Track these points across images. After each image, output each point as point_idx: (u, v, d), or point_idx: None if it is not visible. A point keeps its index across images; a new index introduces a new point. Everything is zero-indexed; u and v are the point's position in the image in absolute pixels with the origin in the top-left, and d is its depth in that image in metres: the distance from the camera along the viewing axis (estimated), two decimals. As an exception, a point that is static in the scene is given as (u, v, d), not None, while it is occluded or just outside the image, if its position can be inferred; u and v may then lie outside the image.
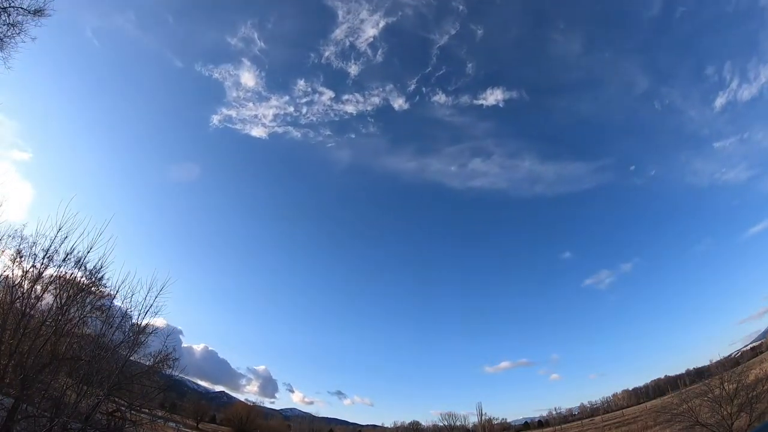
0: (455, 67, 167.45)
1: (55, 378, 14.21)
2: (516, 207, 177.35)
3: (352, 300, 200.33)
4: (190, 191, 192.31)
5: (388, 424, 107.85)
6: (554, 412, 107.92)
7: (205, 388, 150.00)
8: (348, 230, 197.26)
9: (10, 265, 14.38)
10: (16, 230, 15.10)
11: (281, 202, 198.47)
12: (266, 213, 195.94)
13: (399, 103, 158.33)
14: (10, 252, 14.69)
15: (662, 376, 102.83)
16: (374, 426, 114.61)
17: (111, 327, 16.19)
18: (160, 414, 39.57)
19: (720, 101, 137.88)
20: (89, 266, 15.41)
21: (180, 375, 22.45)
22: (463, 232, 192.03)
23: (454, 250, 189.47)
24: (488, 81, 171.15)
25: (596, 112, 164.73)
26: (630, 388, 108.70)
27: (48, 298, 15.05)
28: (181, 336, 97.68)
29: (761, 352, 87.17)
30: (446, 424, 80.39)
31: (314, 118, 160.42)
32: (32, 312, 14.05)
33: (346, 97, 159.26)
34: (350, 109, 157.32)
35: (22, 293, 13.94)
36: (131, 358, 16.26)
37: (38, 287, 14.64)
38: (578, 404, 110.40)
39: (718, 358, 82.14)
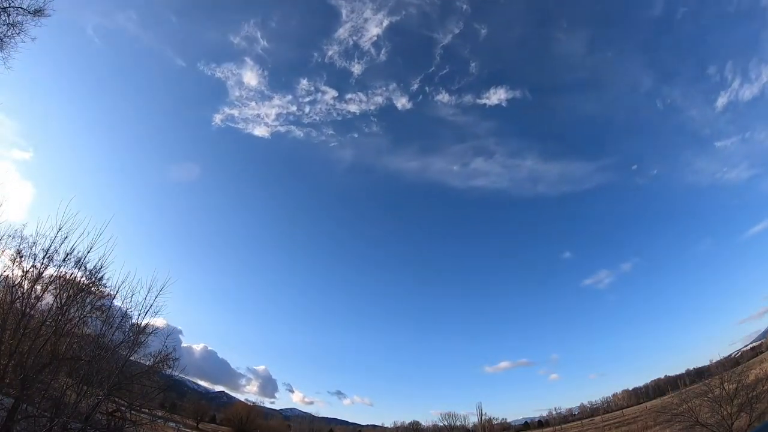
0: (459, 66, 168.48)
1: (55, 378, 14.21)
2: (517, 207, 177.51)
3: (352, 300, 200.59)
4: (191, 191, 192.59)
5: (388, 424, 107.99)
6: (554, 412, 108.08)
7: (205, 388, 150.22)
8: (348, 230, 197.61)
9: (10, 265, 14.42)
10: (16, 230, 15.15)
11: (281, 202, 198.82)
12: (266, 213, 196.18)
13: (402, 102, 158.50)
14: (10, 252, 14.73)
15: (662, 376, 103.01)
16: (374, 426, 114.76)
17: (111, 327, 16.20)
18: (160, 414, 39.58)
19: (721, 101, 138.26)
20: (89, 266, 15.45)
21: (180, 375, 22.48)
22: (464, 232, 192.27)
23: (454, 250, 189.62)
24: (491, 80, 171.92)
25: (599, 111, 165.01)
26: (630, 388, 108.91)
27: (48, 298, 15.08)
28: (180, 336, 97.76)
29: (761, 352, 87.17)
30: (446, 424, 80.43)
31: (317, 118, 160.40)
32: (32, 312, 14.05)
33: (349, 96, 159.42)
34: (353, 108, 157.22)
35: (22, 293, 13.94)
36: (131, 358, 16.26)
37: (38, 287, 14.65)
38: (578, 404, 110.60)
39: (718, 358, 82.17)
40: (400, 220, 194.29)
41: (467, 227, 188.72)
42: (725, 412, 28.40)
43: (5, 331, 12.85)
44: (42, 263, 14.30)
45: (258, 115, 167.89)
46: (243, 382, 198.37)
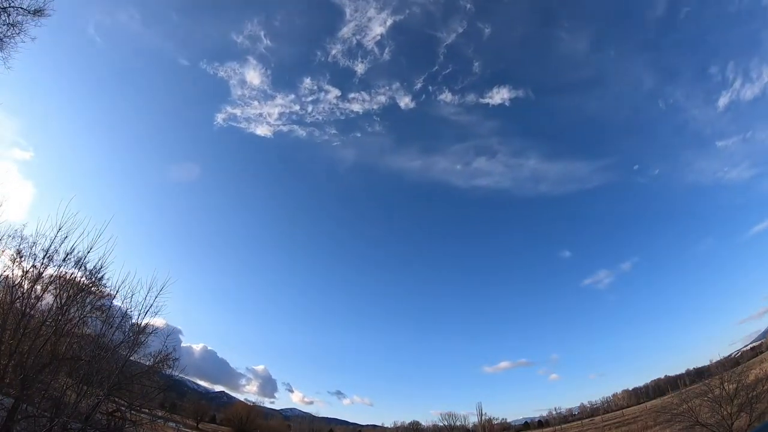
0: (462, 65, 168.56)
1: (55, 378, 14.22)
2: (519, 206, 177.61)
3: (352, 300, 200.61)
4: (191, 191, 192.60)
5: (388, 424, 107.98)
6: (554, 412, 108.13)
7: (204, 388, 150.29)
8: (348, 230, 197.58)
9: (10, 265, 14.41)
10: (16, 230, 15.15)
11: (282, 202, 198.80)
12: (267, 212, 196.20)
13: (405, 101, 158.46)
14: (10, 252, 14.72)
15: (662, 376, 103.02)
16: (374, 426, 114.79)
17: (111, 327, 16.19)
18: (160, 414, 39.59)
19: (723, 101, 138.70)
20: (89, 266, 15.45)
21: (180, 375, 22.47)
22: (465, 232, 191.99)
23: (454, 250, 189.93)
24: (494, 80, 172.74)
25: (601, 111, 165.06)
26: (630, 388, 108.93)
27: (48, 298, 15.08)
28: (180, 336, 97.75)
29: (761, 352, 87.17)
30: (446, 424, 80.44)
31: (320, 117, 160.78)
32: (32, 312, 14.05)
33: (352, 95, 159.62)
34: (356, 107, 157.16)
35: (22, 293, 13.94)
36: (131, 358, 16.26)
37: (38, 287, 14.65)
38: (578, 404, 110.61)
39: (718, 358, 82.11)
40: (401, 220, 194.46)
41: (468, 227, 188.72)
42: (725, 412, 28.40)
43: (5, 331, 12.85)
44: (42, 263, 14.32)
45: (260, 115, 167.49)
46: (243, 381, 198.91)
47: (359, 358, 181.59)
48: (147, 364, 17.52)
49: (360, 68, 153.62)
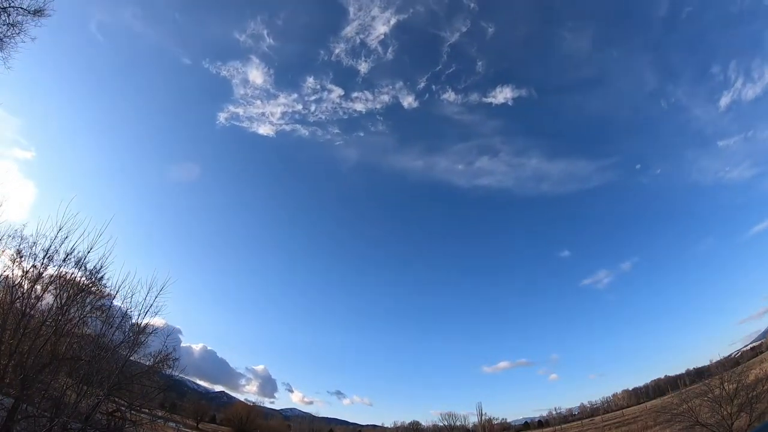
0: (465, 65, 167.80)
1: (55, 378, 14.21)
2: (520, 206, 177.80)
3: (351, 300, 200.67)
4: (192, 191, 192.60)
5: (388, 424, 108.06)
6: (554, 412, 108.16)
7: (204, 388, 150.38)
8: (348, 230, 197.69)
9: (10, 265, 14.41)
10: (16, 230, 15.14)
11: (282, 202, 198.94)
12: (268, 212, 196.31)
13: (408, 101, 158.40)
14: (10, 252, 14.72)
15: (662, 376, 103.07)
16: (374, 426, 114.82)
17: (111, 327, 16.20)
18: (160, 414, 39.58)
19: (725, 100, 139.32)
20: (89, 266, 15.45)
21: (180, 375, 22.47)
22: (465, 232, 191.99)
23: (453, 250, 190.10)
24: (498, 79, 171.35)
25: (603, 110, 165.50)
26: (630, 388, 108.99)
27: (48, 298, 15.08)
28: (180, 335, 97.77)
29: (761, 352, 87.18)
30: (446, 424, 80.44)
31: (323, 116, 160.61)
32: (32, 312, 14.05)
33: (355, 94, 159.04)
34: (359, 107, 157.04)
35: (22, 293, 13.94)
36: (131, 358, 16.27)
37: (38, 287, 14.65)
38: (578, 404, 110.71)
39: (718, 358, 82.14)
40: (403, 220, 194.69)
41: (469, 227, 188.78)
42: (725, 412, 28.40)
43: (5, 331, 12.85)
44: (42, 263, 14.32)
45: (263, 114, 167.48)
46: (242, 381, 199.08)
47: (359, 358, 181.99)
48: (147, 364, 17.52)
49: (363, 67, 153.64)
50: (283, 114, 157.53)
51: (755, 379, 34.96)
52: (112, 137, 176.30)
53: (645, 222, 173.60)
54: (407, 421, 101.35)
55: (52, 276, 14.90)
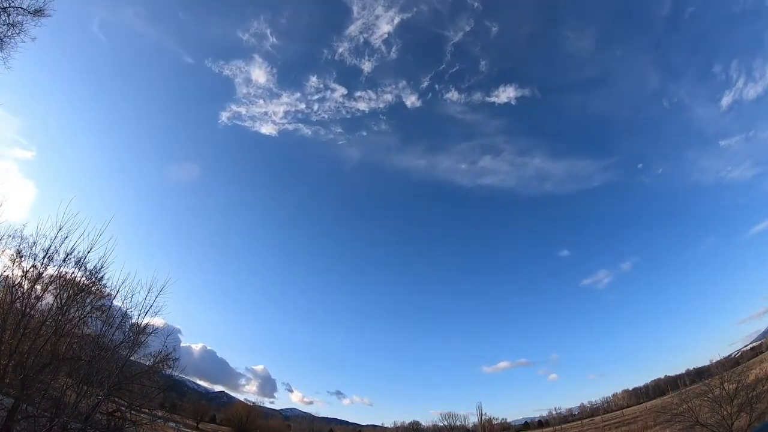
0: (469, 64, 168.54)
1: (55, 378, 14.22)
2: (523, 205, 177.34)
3: (351, 300, 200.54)
4: (193, 190, 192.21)
5: (388, 424, 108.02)
6: (554, 412, 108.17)
7: (204, 388, 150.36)
8: (349, 230, 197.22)
9: (10, 265, 14.41)
10: (16, 230, 15.15)
11: (283, 202, 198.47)
12: (268, 212, 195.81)
13: (411, 100, 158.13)
14: (10, 252, 14.72)
15: (662, 376, 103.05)
16: (374, 426, 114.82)
17: (111, 327, 16.21)
18: (160, 414, 39.60)
19: (726, 100, 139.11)
20: (89, 266, 15.45)
21: (180, 375, 22.49)
22: (466, 232, 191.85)
23: (454, 250, 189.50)
24: (501, 78, 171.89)
25: (606, 109, 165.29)
26: (630, 388, 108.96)
27: (48, 298, 15.08)
28: (179, 335, 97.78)
29: (761, 352, 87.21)
30: (446, 424, 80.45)
31: (326, 116, 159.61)
32: (32, 312, 14.05)
33: (358, 94, 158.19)
34: (362, 106, 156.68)
35: (22, 293, 13.94)
36: (131, 358, 16.28)
37: (38, 287, 14.65)
38: (578, 404, 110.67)
39: (718, 358, 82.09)
40: (404, 220, 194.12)
41: (471, 226, 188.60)
42: (725, 412, 28.41)
43: (5, 331, 12.85)
44: (42, 263, 14.31)
45: (265, 113, 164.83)
46: (242, 381, 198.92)
47: (359, 358, 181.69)
48: (147, 364, 17.53)
49: (367, 66, 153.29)
50: (286, 113, 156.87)
51: (755, 379, 34.97)
52: (113, 137, 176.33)
53: (645, 222, 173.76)
54: (407, 421, 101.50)
55: (52, 276, 14.91)
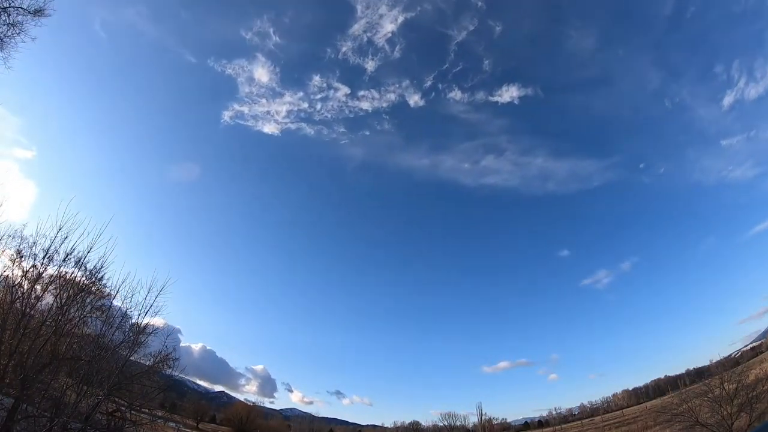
0: (472, 63, 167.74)
1: (55, 378, 14.21)
2: (525, 205, 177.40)
3: (351, 300, 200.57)
4: (193, 190, 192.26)
5: (388, 424, 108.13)
6: (554, 412, 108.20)
7: (204, 388, 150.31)
8: (349, 230, 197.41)
9: (10, 265, 14.41)
10: (16, 230, 15.14)
11: (284, 201, 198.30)
12: (269, 212, 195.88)
13: (415, 99, 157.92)
14: (10, 252, 14.72)
15: (662, 376, 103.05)
16: (374, 426, 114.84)
17: (111, 327, 16.20)
18: (160, 414, 39.60)
19: (728, 99, 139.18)
20: (89, 266, 15.44)
21: (180, 375, 22.47)
22: (468, 232, 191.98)
23: (454, 249, 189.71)
24: (504, 78, 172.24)
25: (608, 109, 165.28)
26: (630, 388, 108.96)
27: (48, 298, 15.07)
28: (179, 335, 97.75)
29: (761, 352, 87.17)
30: (446, 424, 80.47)
31: (328, 115, 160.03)
32: (32, 312, 14.05)
33: (361, 93, 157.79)
34: (365, 105, 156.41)
35: (22, 293, 13.94)
36: (131, 358, 16.27)
37: (38, 287, 14.65)
38: (578, 404, 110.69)
39: (718, 358, 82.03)
40: (406, 219, 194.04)
41: (472, 226, 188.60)
42: (725, 412, 28.41)
43: (5, 331, 12.85)
44: (42, 263, 14.31)
45: (268, 113, 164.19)
46: (242, 381, 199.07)
47: (359, 358, 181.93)
48: (147, 364, 17.51)
49: (370, 66, 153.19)
50: (289, 112, 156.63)
51: (755, 379, 34.97)
52: (114, 137, 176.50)
53: (646, 222, 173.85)
54: (407, 421, 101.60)
55: (52, 276, 14.91)
